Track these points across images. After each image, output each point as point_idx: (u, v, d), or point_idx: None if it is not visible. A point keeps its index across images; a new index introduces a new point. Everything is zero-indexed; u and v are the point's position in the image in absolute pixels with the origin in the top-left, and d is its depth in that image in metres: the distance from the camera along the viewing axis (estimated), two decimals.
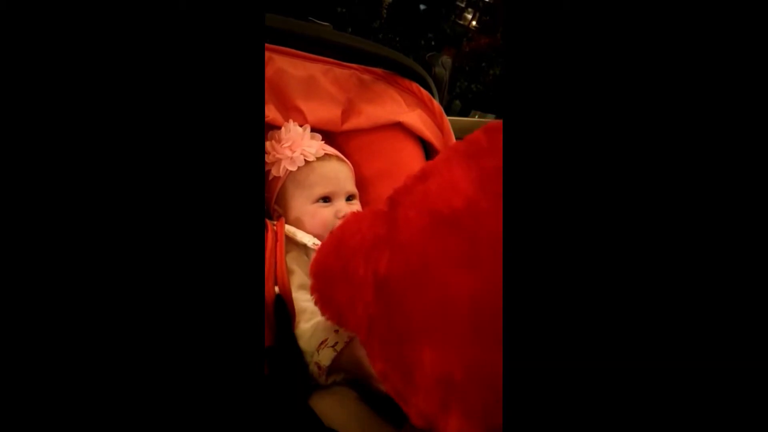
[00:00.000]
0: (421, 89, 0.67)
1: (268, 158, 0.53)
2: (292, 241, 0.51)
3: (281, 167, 0.53)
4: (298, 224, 0.53)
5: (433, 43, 1.42)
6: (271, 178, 0.54)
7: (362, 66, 0.65)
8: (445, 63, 1.09)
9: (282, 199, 0.55)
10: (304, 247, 0.51)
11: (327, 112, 0.61)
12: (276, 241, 0.48)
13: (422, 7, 1.41)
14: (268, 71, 0.57)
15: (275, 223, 0.50)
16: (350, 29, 1.07)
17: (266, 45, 0.57)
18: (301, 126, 0.57)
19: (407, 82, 0.67)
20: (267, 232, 0.48)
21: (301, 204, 0.54)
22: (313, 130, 0.58)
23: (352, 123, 0.64)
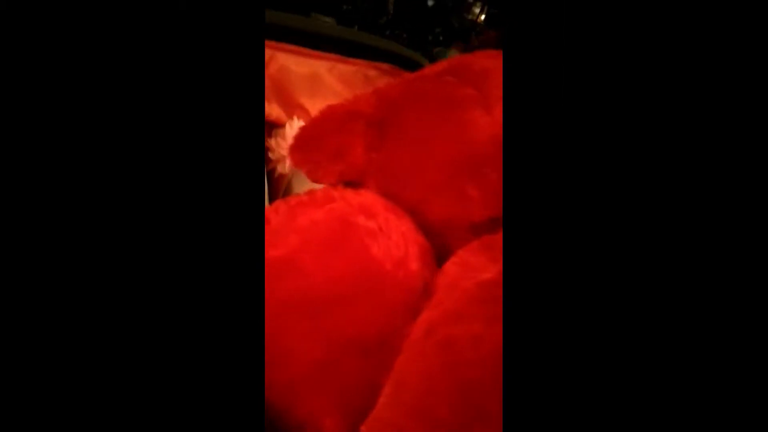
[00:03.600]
0: None
1: (272, 156, 0.52)
2: None
3: (286, 164, 0.52)
4: None
5: (441, 38, 1.40)
6: (276, 175, 0.53)
7: (367, 61, 0.63)
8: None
9: (290, 195, 0.54)
10: None
11: None
12: None
13: (430, 2, 1.39)
14: (271, 69, 0.55)
15: None
16: (357, 26, 1.06)
17: (268, 42, 0.55)
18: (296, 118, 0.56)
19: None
20: None
21: None
22: None
23: None
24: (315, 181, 0.42)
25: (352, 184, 0.41)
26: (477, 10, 1.55)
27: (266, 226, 0.33)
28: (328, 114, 0.42)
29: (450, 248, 0.34)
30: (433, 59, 1.14)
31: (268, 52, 0.55)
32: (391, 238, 0.32)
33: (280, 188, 0.54)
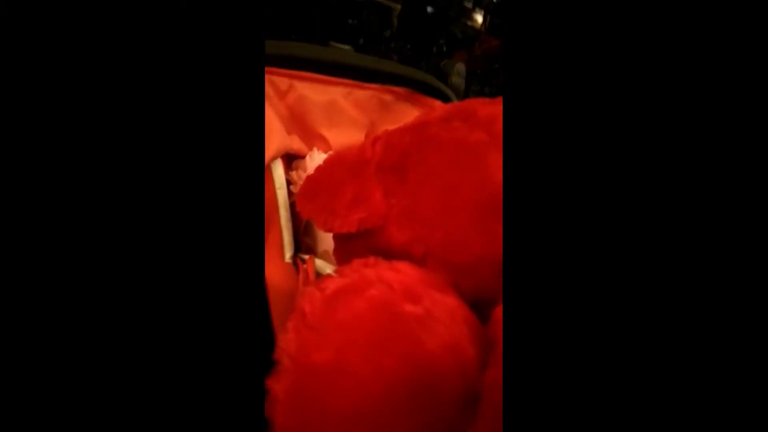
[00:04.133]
0: (444, 105, 0.64)
1: (294, 189, 0.51)
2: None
3: None
4: (328, 257, 0.51)
5: (444, 48, 1.40)
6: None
7: (382, 86, 0.63)
8: (459, 71, 1.06)
9: (310, 231, 0.53)
10: None
11: (350, 138, 0.59)
12: (307, 282, 0.46)
13: (429, 9, 1.39)
14: (290, 99, 0.55)
15: (306, 259, 0.48)
16: (362, 40, 1.05)
17: (286, 72, 0.55)
18: (325, 153, 0.55)
19: (429, 100, 0.65)
20: (299, 272, 0.46)
21: (324, 240, 0.52)
22: None
23: None
24: (330, 230, 0.40)
25: (372, 232, 0.40)
26: (479, 18, 1.55)
27: (302, 320, 0.30)
28: (334, 163, 0.41)
29: (485, 284, 0.35)
30: (440, 73, 1.14)
31: (286, 82, 0.55)
32: (442, 320, 0.31)
33: (302, 222, 0.53)
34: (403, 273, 0.33)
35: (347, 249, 0.43)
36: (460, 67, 1.11)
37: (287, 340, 0.30)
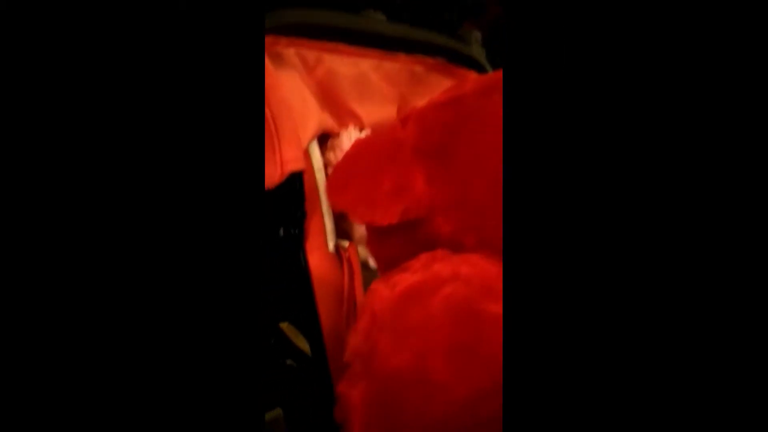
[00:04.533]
0: (479, 77, 0.60)
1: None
2: (364, 268, 0.46)
3: None
4: (363, 242, 0.48)
5: (456, 16, 1.34)
6: None
7: (414, 56, 0.58)
8: (478, 38, 1.01)
9: (343, 219, 0.50)
10: (377, 274, 0.46)
11: (382, 113, 0.55)
12: (352, 273, 0.42)
13: None
14: (318, 73, 0.51)
15: (346, 247, 0.45)
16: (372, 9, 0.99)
17: (314, 43, 0.50)
18: (360, 131, 0.51)
19: (463, 71, 0.60)
20: (342, 261, 0.43)
21: (361, 225, 0.48)
22: None
23: None
24: (369, 223, 0.37)
25: (415, 222, 0.36)
26: None
27: (372, 321, 0.28)
28: (364, 148, 0.38)
29: None
30: (460, 39, 1.08)
31: (314, 55, 0.51)
32: None
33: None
34: (480, 267, 0.30)
35: (385, 242, 0.39)
36: (477, 34, 1.06)
37: (358, 342, 0.29)
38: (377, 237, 0.40)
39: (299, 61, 0.49)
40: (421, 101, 0.58)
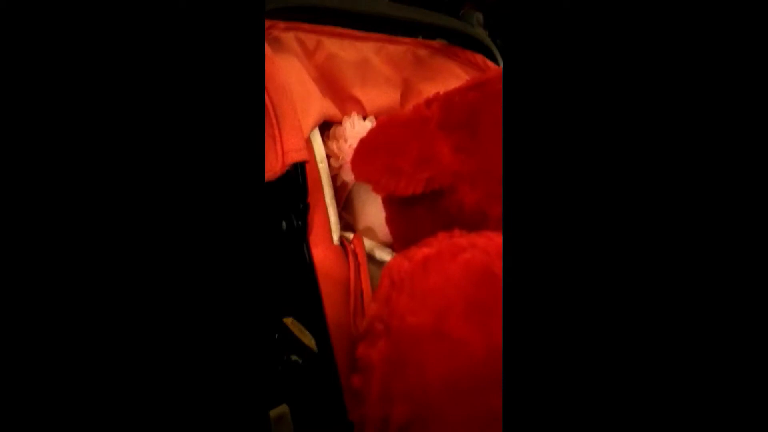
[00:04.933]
0: (487, 61, 0.58)
1: (335, 162, 0.46)
2: (369, 260, 0.44)
3: (338, 177, 0.46)
4: (370, 234, 0.46)
5: None
6: (339, 183, 0.47)
7: (417, 39, 0.56)
8: (480, 20, 0.98)
9: (351, 207, 0.48)
10: (382, 265, 0.45)
11: (386, 99, 0.53)
12: (358, 265, 0.41)
13: None
14: (319, 58, 0.49)
15: (351, 239, 0.43)
16: None
17: (313, 27, 0.48)
18: (363, 118, 0.49)
19: (470, 54, 0.58)
20: (347, 254, 0.41)
21: (376, 212, 0.47)
22: None
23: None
24: (393, 192, 0.37)
25: (440, 192, 0.36)
26: None
27: (391, 288, 0.28)
28: (390, 123, 0.38)
29: None
30: (463, 20, 1.06)
31: (313, 39, 0.49)
32: None
33: (342, 197, 0.48)
34: (495, 240, 0.30)
35: (407, 214, 0.39)
36: (479, 16, 1.03)
37: (378, 307, 0.29)
38: (398, 212, 0.40)
39: (298, 46, 0.47)
40: (425, 85, 0.56)
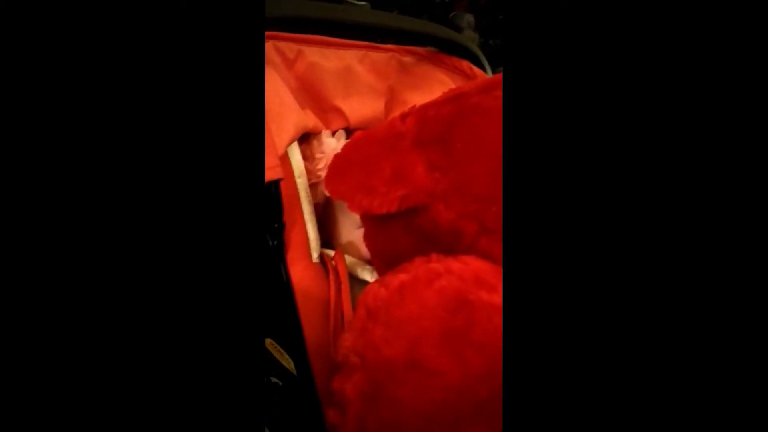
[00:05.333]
0: (473, 67, 0.57)
1: (314, 177, 0.44)
2: (351, 278, 0.43)
3: (318, 191, 0.45)
4: (352, 249, 0.45)
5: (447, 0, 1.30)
6: (320, 198, 0.45)
7: (401, 46, 0.55)
8: (470, 22, 0.97)
9: (332, 221, 0.47)
10: (365, 285, 0.44)
11: (369, 109, 0.52)
12: (339, 283, 0.40)
13: None
14: (299, 68, 0.48)
15: (333, 255, 0.42)
16: None
17: (293, 36, 0.47)
18: (340, 130, 0.48)
19: (455, 60, 0.57)
20: (328, 272, 0.40)
21: (348, 231, 0.46)
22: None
23: None
24: (367, 211, 0.36)
25: (414, 210, 0.35)
26: None
27: (366, 317, 0.27)
28: (364, 139, 0.37)
29: None
30: (449, 25, 1.05)
31: (294, 48, 0.47)
32: None
33: (323, 213, 0.47)
34: (471, 265, 0.30)
35: (383, 231, 0.38)
36: (470, 18, 1.02)
37: (353, 338, 0.28)
38: (374, 229, 0.39)
39: (277, 56, 0.46)
40: (410, 93, 0.55)
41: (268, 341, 0.39)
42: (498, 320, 0.26)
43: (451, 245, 0.33)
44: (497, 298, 0.26)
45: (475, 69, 0.56)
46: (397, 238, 0.37)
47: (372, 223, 0.39)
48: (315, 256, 0.40)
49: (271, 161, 0.34)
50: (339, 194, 0.36)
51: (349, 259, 0.43)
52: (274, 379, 0.40)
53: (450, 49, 0.56)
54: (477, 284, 0.27)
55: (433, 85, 0.56)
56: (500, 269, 0.29)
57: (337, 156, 0.37)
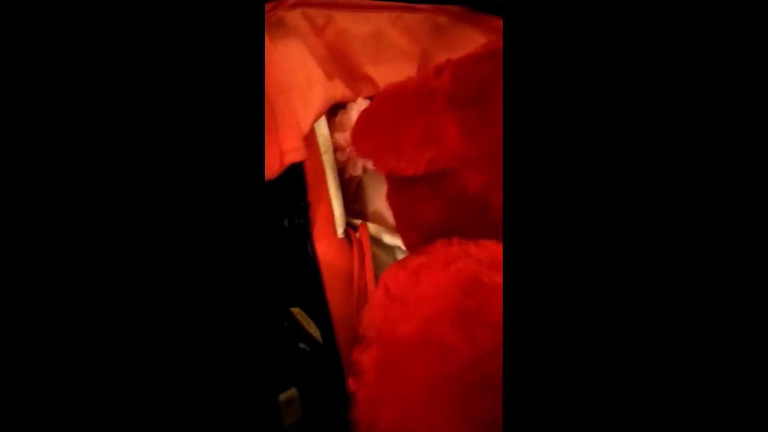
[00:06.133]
0: None
1: (341, 156, 0.45)
2: (377, 245, 0.44)
3: (358, 165, 0.45)
4: (379, 219, 0.46)
5: None
6: (347, 176, 0.46)
7: (436, 5, 0.53)
8: None
9: (360, 195, 0.48)
10: (392, 251, 0.45)
11: (401, 75, 0.50)
12: (362, 255, 0.41)
13: None
14: (329, 34, 0.47)
15: (357, 225, 0.43)
16: None
17: (323, 1, 0.46)
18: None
19: (491, 19, 0.54)
20: (352, 245, 0.42)
21: (382, 195, 0.46)
22: None
23: None
24: (393, 172, 0.36)
25: (443, 174, 0.35)
26: None
27: (385, 295, 0.29)
28: (395, 94, 0.36)
29: None
30: None
31: (323, 14, 0.46)
32: None
33: (351, 188, 0.47)
34: (490, 248, 0.31)
35: (408, 193, 0.38)
36: None
37: (372, 315, 0.30)
38: (399, 189, 0.39)
39: (306, 24, 0.45)
40: (445, 57, 0.53)
41: (296, 310, 0.41)
42: None
43: (477, 213, 0.33)
44: None
45: None
46: (422, 201, 0.37)
47: (397, 185, 0.39)
48: (340, 231, 0.41)
49: (293, 143, 0.34)
50: (365, 152, 0.36)
51: (375, 227, 0.44)
52: (302, 345, 0.42)
53: (485, 6, 0.53)
54: (492, 267, 0.28)
55: (468, 47, 0.53)
56: None
57: (365, 111, 0.36)
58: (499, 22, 0.54)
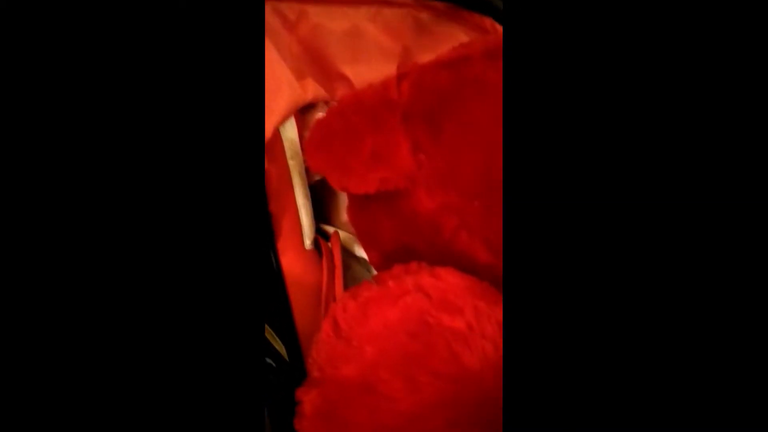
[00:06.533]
0: (495, 25, 0.51)
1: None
2: (348, 255, 0.42)
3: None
4: (347, 226, 0.44)
5: None
6: (318, 178, 0.43)
7: (418, 1, 0.50)
8: None
9: (333, 202, 0.45)
10: (365, 262, 0.42)
11: (379, 74, 0.48)
12: (332, 268, 0.38)
13: None
14: (302, 30, 0.44)
15: (330, 234, 0.41)
16: None
17: None
18: None
19: (476, 17, 0.52)
20: (322, 255, 0.39)
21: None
22: None
23: None
24: (344, 190, 0.34)
25: (397, 193, 0.33)
26: None
27: (333, 330, 0.28)
28: (351, 104, 0.34)
29: None
30: None
31: (295, 8, 0.44)
32: (485, 334, 0.26)
33: (321, 192, 0.45)
34: (443, 280, 0.29)
35: (366, 211, 0.36)
36: None
37: (317, 352, 0.29)
38: (358, 208, 0.37)
39: (276, 19, 0.43)
40: (427, 56, 0.51)
41: None
42: (457, 348, 0.25)
43: (431, 237, 0.32)
44: (460, 323, 0.26)
45: (498, 26, 0.51)
46: (379, 220, 0.35)
47: (355, 201, 0.37)
48: (308, 242, 0.38)
49: None
50: (317, 168, 0.34)
51: (347, 236, 0.42)
52: (269, 360, 0.40)
53: (470, 4, 0.50)
54: (441, 306, 0.27)
55: (450, 45, 0.51)
56: (476, 284, 0.28)
57: (318, 122, 0.34)
58: (484, 21, 0.52)
